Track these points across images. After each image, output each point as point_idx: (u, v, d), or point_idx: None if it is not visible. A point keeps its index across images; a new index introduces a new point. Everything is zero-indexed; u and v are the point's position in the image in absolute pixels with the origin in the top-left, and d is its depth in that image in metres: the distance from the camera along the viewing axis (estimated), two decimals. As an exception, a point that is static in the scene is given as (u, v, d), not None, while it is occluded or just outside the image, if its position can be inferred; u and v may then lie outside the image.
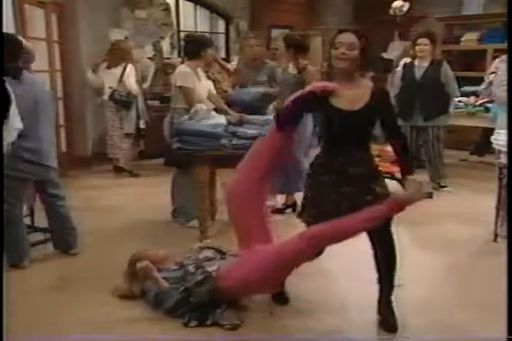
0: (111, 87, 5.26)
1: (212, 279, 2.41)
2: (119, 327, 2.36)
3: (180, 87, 3.62)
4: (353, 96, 2.28)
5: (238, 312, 2.44)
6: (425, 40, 4.60)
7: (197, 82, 3.68)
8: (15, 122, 2.72)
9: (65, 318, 2.46)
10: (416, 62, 4.68)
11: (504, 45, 6.09)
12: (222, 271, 2.44)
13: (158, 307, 2.46)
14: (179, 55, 6.72)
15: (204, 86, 3.78)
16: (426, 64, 4.64)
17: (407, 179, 2.30)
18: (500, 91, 3.97)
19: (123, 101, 5.24)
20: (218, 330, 2.34)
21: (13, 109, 2.67)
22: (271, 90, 4.23)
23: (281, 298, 2.62)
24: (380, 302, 2.46)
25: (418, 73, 4.64)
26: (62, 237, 3.21)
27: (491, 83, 5.50)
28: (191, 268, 2.51)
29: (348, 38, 2.25)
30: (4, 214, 2.82)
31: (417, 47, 4.63)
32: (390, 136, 2.38)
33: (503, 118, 3.92)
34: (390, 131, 2.38)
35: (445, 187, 4.84)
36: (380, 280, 2.44)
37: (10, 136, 2.71)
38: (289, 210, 4.09)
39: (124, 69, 5.25)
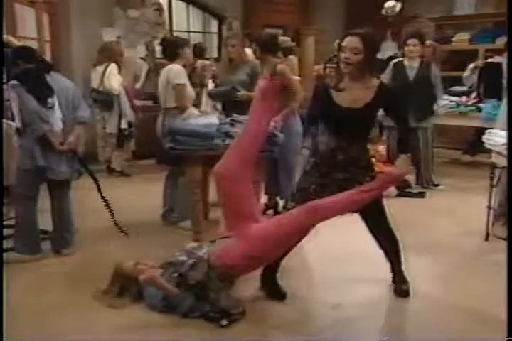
0: (92, 87, 5.24)
1: (204, 261, 2.43)
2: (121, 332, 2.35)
3: (178, 84, 3.63)
4: (356, 94, 2.42)
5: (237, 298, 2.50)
6: (415, 41, 4.58)
7: (187, 80, 3.73)
8: (58, 112, 2.96)
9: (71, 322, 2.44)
10: (406, 62, 4.67)
11: (495, 45, 6.17)
12: (219, 251, 2.46)
13: (171, 311, 2.44)
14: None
15: (189, 86, 3.80)
16: (416, 64, 4.64)
17: (399, 156, 2.53)
18: None
19: (102, 101, 5.19)
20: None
21: (55, 100, 2.94)
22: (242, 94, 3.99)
23: (278, 294, 2.63)
24: (393, 272, 2.70)
25: (411, 73, 4.63)
26: (62, 234, 3.22)
27: (473, 70, 5.58)
28: (181, 258, 2.52)
29: (352, 42, 2.33)
30: (25, 209, 3.05)
31: (406, 48, 4.62)
32: (396, 121, 2.65)
33: (503, 117, 3.91)
34: (396, 118, 2.63)
35: (438, 185, 4.87)
36: (388, 257, 2.68)
37: (57, 124, 2.97)
38: (270, 211, 4.05)
39: (106, 68, 5.19)
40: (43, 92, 2.94)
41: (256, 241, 2.38)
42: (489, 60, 5.77)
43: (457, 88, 6.03)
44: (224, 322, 2.36)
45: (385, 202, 2.59)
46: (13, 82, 2.90)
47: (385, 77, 4.95)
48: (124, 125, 5.28)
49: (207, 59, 5.61)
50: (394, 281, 2.71)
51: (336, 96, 2.44)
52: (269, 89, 2.44)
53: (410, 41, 4.59)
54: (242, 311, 2.43)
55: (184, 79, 3.69)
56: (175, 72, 3.66)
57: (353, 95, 2.42)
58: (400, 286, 2.66)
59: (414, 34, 4.70)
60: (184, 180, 3.60)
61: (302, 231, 2.41)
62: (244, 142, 2.49)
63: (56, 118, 3.00)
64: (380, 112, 5.10)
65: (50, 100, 2.95)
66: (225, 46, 4.21)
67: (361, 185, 2.41)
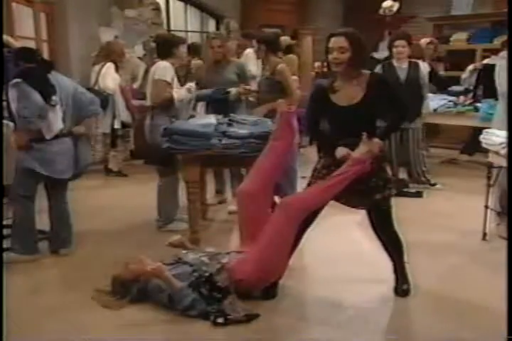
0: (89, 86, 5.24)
1: (227, 269, 2.51)
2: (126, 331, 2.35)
3: (158, 80, 3.54)
4: (350, 92, 2.44)
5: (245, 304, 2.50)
6: (402, 42, 4.58)
7: (175, 78, 3.66)
8: (60, 111, 2.98)
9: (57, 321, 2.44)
10: (395, 64, 4.66)
11: (492, 45, 6.19)
12: (233, 265, 2.54)
13: (173, 307, 2.45)
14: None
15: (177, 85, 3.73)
16: (405, 65, 4.64)
17: (372, 139, 2.44)
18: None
19: None
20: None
21: (57, 100, 2.95)
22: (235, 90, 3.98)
23: (269, 293, 2.64)
24: (395, 272, 2.70)
25: (401, 74, 4.63)
26: (61, 234, 3.22)
27: (472, 72, 5.59)
28: (206, 259, 2.59)
29: (338, 42, 2.37)
30: (23, 209, 3.04)
31: (395, 50, 4.62)
32: (393, 110, 2.56)
33: (500, 117, 3.90)
34: (395, 107, 2.55)
35: (435, 185, 4.89)
36: (391, 257, 2.69)
37: (58, 124, 2.99)
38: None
39: (102, 67, 5.17)
40: (47, 90, 2.94)
41: (260, 262, 2.46)
42: (486, 62, 5.78)
43: (455, 88, 6.04)
44: (219, 320, 2.36)
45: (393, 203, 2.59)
46: (16, 80, 2.89)
47: None
48: (117, 125, 5.24)
49: (202, 59, 5.58)
50: (396, 281, 2.71)
51: (333, 97, 2.48)
52: (288, 122, 2.68)
53: (398, 42, 4.59)
54: (246, 315, 2.41)
55: (168, 77, 3.56)
56: (161, 68, 3.58)
57: (348, 93, 2.45)
58: (401, 286, 2.67)
59: (402, 35, 4.72)
60: (163, 182, 3.63)
61: (291, 229, 2.46)
62: (266, 165, 2.67)
63: (58, 117, 3.00)
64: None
65: (54, 97, 2.95)
66: (209, 46, 4.10)
67: (368, 183, 2.47)
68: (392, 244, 2.68)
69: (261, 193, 2.63)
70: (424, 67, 4.69)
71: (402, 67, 4.63)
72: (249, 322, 2.38)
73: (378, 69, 4.70)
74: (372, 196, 2.51)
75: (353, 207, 2.61)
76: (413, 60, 4.67)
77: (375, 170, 2.49)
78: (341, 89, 2.46)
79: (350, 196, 2.51)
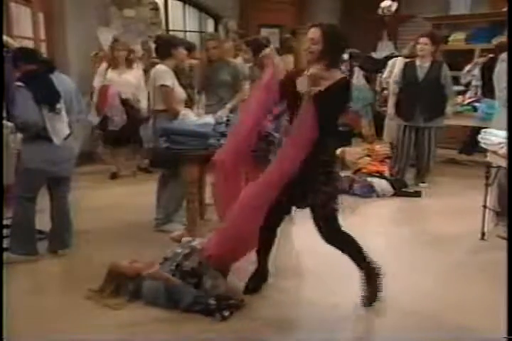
0: None
1: (198, 251, 2.55)
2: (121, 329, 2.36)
3: (161, 86, 3.52)
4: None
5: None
6: (426, 40, 4.65)
7: (175, 81, 3.62)
8: (65, 116, 2.98)
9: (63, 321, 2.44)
10: (417, 62, 4.73)
11: (491, 45, 6.19)
12: (205, 242, 2.62)
13: (174, 306, 2.46)
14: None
15: (178, 88, 3.69)
16: (427, 64, 4.70)
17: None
18: (504, 93, 3.69)
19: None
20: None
21: (63, 104, 2.94)
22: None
23: (259, 278, 2.68)
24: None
25: (420, 73, 4.69)
26: (62, 234, 3.22)
27: (475, 64, 5.62)
28: (177, 250, 2.63)
29: (312, 32, 2.42)
30: (23, 209, 3.04)
31: (417, 46, 4.70)
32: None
33: (500, 117, 3.91)
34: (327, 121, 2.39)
35: (423, 183, 4.94)
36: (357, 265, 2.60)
37: (66, 128, 3.00)
38: None
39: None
40: (51, 97, 2.92)
41: (223, 235, 2.50)
42: (485, 60, 5.77)
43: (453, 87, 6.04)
44: (225, 313, 2.39)
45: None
46: (18, 83, 2.87)
47: (384, 75, 5.02)
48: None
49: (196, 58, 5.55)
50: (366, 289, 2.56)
51: (299, 84, 2.46)
52: (271, 81, 2.54)
53: (421, 40, 4.68)
54: (242, 299, 2.48)
55: (169, 81, 3.53)
56: (160, 72, 3.56)
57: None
58: (370, 294, 2.55)
59: (426, 34, 4.80)
60: (174, 182, 3.59)
61: (262, 204, 2.43)
62: (238, 131, 2.63)
63: (63, 123, 2.98)
64: (390, 110, 4.97)
65: (58, 106, 2.93)
66: (205, 48, 4.14)
67: (315, 187, 2.41)
68: (346, 251, 2.58)
69: (234, 162, 2.55)
70: (446, 67, 4.72)
71: (423, 66, 4.70)
72: (243, 302, 2.46)
73: (400, 66, 4.79)
74: (307, 200, 2.46)
75: (294, 206, 2.57)
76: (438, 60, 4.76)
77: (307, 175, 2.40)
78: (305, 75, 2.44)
79: (294, 192, 2.45)
